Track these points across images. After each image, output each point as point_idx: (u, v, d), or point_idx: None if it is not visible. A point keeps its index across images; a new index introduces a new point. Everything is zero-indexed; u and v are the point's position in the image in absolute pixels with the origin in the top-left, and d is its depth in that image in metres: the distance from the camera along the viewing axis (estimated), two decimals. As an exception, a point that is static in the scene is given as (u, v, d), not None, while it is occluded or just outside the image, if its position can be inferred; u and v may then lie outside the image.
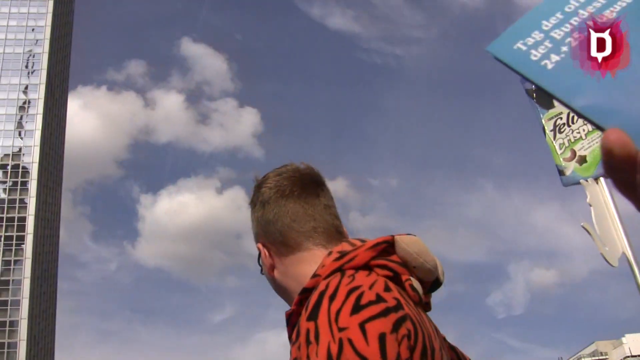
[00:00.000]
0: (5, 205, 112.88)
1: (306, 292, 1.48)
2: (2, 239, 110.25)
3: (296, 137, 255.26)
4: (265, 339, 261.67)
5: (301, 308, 1.46)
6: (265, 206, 1.73)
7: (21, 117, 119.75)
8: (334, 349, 1.25)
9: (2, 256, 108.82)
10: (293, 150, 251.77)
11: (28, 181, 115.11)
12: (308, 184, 1.74)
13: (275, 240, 1.71)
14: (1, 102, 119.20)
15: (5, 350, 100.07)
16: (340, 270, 1.46)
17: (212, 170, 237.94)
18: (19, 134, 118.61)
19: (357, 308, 1.30)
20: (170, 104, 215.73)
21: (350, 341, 1.25)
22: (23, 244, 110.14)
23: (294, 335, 1.38)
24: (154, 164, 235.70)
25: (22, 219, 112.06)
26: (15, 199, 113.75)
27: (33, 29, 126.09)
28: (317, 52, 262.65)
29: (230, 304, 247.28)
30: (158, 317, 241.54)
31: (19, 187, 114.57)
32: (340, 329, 1.27)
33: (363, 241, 1.56)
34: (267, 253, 1.73)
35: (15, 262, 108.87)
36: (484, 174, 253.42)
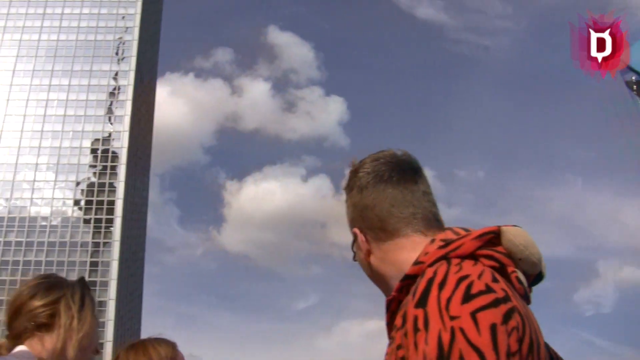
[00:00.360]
0: (95, 189, 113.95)
1: (408, 279, 1.51)
2: (92, 221, 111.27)
3: (382, 127, 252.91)
4: (348, 328, 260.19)
5: (402, 295, 1.52)
6: (363, 191, 1.73)
7: (111, 103, 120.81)
8: (446, 338, 1.27)
9: (92, 238, 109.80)
10: (379, 139, 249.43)
11: (117, 166, 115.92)
12: (406, 170, 1.74)
13: (373, 225, 1.70)
14: (92, 88, 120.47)
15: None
16: (446, 258, 1.48)
17: (298, 158, 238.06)
18: (109, 120, 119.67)
19: (467, 297, 1.32)
20: (256, 91, 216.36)
21: (462, 330, 1.27)
22: (112, 226, 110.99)
23: (398, 321, 1.41)
24: (240, 150, 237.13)
25: (111, 203, 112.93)
26: (105, 183, 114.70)
27: (123, 17, 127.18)
28: (405, 42, 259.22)
29: (314, 293, 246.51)
30: (242, 304, 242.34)
31: (108, 171, 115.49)
32: (452, 318, 1.29)
33: (467, 230, 1.58)
34: (363, 238, 1.72)
35: (105, 244, 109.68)
36: (572, 169, 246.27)
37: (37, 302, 2.33)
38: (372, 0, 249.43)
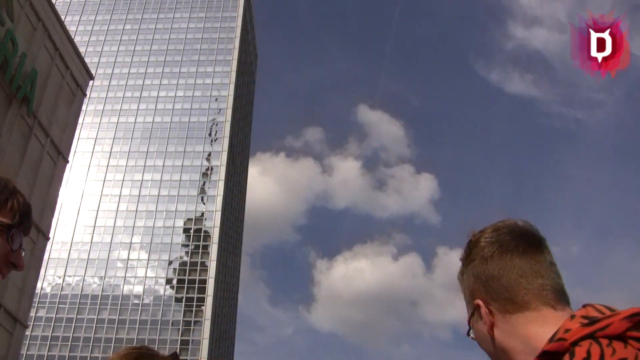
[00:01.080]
0: (187, 268, 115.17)
1: (547, 355, 1.44)
2: (184, 299, 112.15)
3: (474, 204, 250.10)
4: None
5: None
6: (487, 261, 1.67)
7: (204, 183, 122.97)
8: None
9: (183, 316, 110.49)
10: (471, 216, 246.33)
11: (209, 245, 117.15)
12: (531, 240, 1.69)
13: (499, 296, 1.64)
14: (186, 169, 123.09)
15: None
16: (592, 337, 1.41)
17: (388, 236, 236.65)
18: (202, 200, 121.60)
19: None
20: (347, 170, 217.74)
21: None
22: (203, 305, 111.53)
23: None
24: (330, 229, 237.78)
25: (203, 282, 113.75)
26: (197, 262, 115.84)
27: (216, 99, 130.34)
28: (496, 117, 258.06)
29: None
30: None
31: (200, 250, 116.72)
32: None
33: (610, 309, 1.50)
34: (487, 310, 1.66)
35: (195, 322, 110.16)
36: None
37: None
38: (463, 77, 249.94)
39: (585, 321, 1.45)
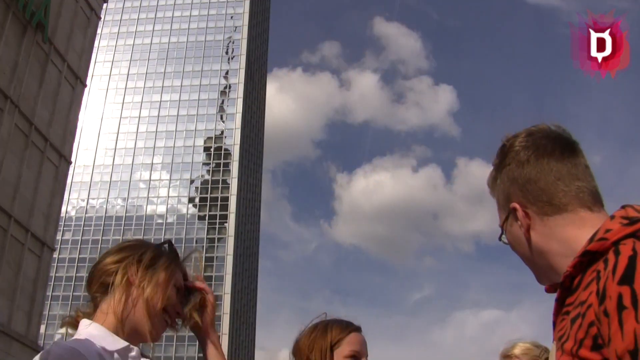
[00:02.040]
0: (209, 186, 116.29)
1: (588, 254, 1.46)
2: (207, 217, 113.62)
3: (494, 115, 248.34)
4: (464, 319, 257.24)
5: (577, 271, 1.48)
6: (524, 165, 1.68)
7: (222, 102, 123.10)
8: None
9: (207, 234, 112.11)
10: (491, 128, 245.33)
11: (230, 162, 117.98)
12: (567, 144, 1.71)
13: (537, 199, 1.65)
14: (203, 88, 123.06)
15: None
16: (635, 236, 1.42)
17: (408, 149, 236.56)
18: (221, 118, 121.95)
19: None
20: (365, 84, 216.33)
21: None
22: (226, 222, 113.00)
23: (590, 299, 1.38)
24: (349, 143, 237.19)
25: (225, 199, 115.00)
26: (218, 180, 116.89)
27: (232, 17, 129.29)
28: (516, 28, 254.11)
29: (428, 284, 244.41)
30: (356, 297, 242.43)
31: (221, 168, 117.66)
32: None
33: None
34: (524, 213, 1.66)
35: (219, 239, 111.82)
36: None
37: (105, 261, 2.26)
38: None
39: (626, 221, 1.46)
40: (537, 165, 1.67)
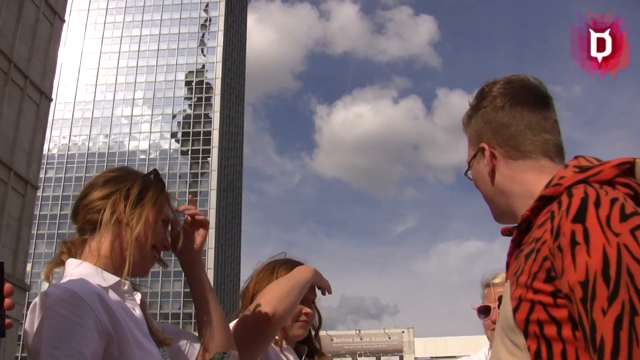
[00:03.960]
0: (191, 121, 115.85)
1: (544, 199, 1.60)
2: (190, 152, 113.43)
3: (475, 46, 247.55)
4: (446, 250, 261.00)
5: (533, 215, 1.62)
6: (499, 110, 1.81)
7: (203, 35, 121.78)
8: (612, 252, 1.36)
9: (190, 169, 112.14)
10: (472, 59, 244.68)
11: (212, 96, 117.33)
12: (541, 97, 1.83)
13: (506, 143, 1.79)
14: (184, 21, 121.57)
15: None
16: (586, 182, 1.55)
17: (388, 80, 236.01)
18: (202, 51, 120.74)
19: (624, 217, 1.41)
20: (344, 14, 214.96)
21: (626, 246, 1.36)
22: (209, 157, 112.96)
23: (545, 236, 1.50)
24: (329, 75, 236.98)
25: (208, 133, 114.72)
26: (200, 114, 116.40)
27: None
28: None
29: (411, 216, 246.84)
30: (340, 228, 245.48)
31: (203, 102, 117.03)
32: (615, 234, 1.38)
33: (598, 160, 1.64)
34: (491, 153, 1.81)
35: (202, 174, 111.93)
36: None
37: (92, 196, 2.20)
38: None
39: (577, 169, 1.61)
40: (510, 112, 1.79)
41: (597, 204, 1.44)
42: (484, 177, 1.85)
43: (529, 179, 1.73)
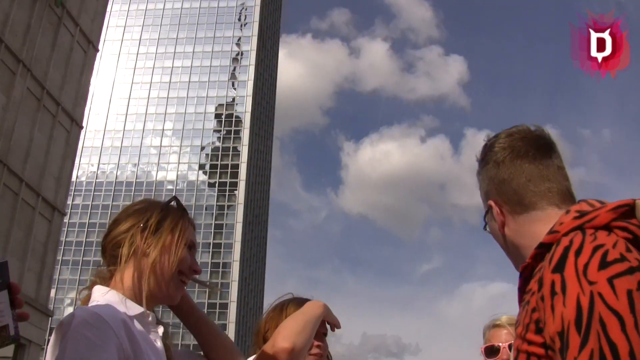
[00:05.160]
0: (220, 153, 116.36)
1: (542, 247, 1.60)
2: (217, 185, 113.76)
3: (504, 86, 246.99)
4: (471, 291, 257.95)
5: (536, 262, 1.61)
6: (499, 166, 1.82)
7: (234, 69, 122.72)
8: (584, 301, 1.36)
9: (217, 201, 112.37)
10: (501, 100, 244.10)
11: (241, 130, 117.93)
12: (541, 146, 1.82)
13: (509, 199, 1.79)
14: (215, 55, 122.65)
15: (219, 290, 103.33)
16: (580, 228, 1.55)
17: (416, 118, 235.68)
18: (233, 85, 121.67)
19: (604, 264, 1.40)
20: (374, 52, 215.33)
21: (600, 295, 1.36)
22: (236, 190, 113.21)
23: (533, 286, 1.52)
24: (358, 112, 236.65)
25: (235, 166, 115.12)
26: (228, 147, 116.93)
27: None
28: (532, 4, 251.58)
29: (436, 256, 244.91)
30: (364, 267, 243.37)
31: (232, 135, 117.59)
32: (590, 282, 1.38)
33: (602, 202, 1.63)
34: (499, 210, 1.82)
35: (229, 207, 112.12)
36: None
37: (114, 232, 2.23)
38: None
39: (577, 214, 1.60)
40: (510, 166, 1.79)
41: (578, 252, 1.44)
42: (496, 233, 1.86)
43: (535, 231, 1.71)
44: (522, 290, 1.66)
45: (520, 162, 1.79)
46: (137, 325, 2.07)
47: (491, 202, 1.84)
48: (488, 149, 1.88)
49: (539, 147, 1.81)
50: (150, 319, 2.14)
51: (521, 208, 1.77)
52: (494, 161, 1.83)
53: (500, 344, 3.32)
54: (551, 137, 1.86)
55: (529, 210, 1.76)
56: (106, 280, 2.20)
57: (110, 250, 2.21)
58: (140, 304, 2.13)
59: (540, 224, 1.72)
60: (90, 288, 2.18)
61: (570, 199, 1.78)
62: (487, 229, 1.92)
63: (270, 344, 2.45)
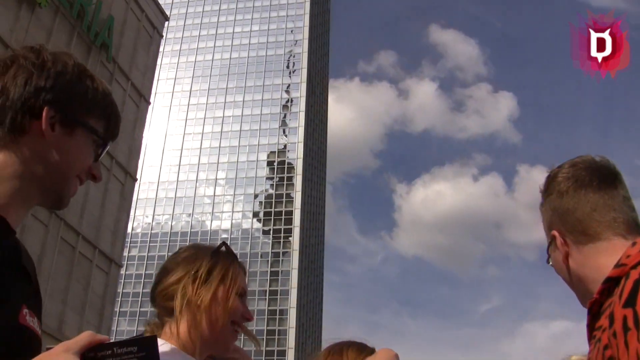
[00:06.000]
0: (273, 200, 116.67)
1: (610, 281, 1.54)
2: (272, 232, 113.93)
3: (556, 121, 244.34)
4: (534, 331, 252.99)
5: (604, 297, 1.55)
6: (563, 196, 1.78)
7: (285, 116, 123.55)
8: None
9: (272, 248, 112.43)
10: (553, 134, 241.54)
11: (293, 176, 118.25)
12: (606, 176, 1.78)
13: (573, 229, 1.75)
14: (265, 102, 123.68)
15: (276, 337, 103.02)
16: None
17: (468, 157, 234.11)
18: (284, 132, 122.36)
19: None
20: (423, 92, 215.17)
21: None
22: (291, 236, 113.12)
23: (604, 323, 1.48)
24: (409, 153, 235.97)
25: (289, 213, 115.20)
26: (282, 194, 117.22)
27: (292, 31, 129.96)
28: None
29: (495, 295, 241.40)
30: (424, 309, 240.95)
31: (285, 182, 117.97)
32: None
33: None
34: (562, 241, 1.78)
35: (284, 253, 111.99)
36: None
37: (165, 284, 2.25)
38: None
39: None
40: (575, 196, 1.75)
41: None
42: (560, 265, 1.81)
43: (600, 263, 1.66)
44: (592, 327, 1.61)
45: (584, 192, 1.75)
46: None
47: (555, 232, 1.79)
48: (551, 179, 1.84)
49: (603, 177, 1.77)
50: None
51: (586, 238, 1.72)
52: (558, 191, 1.80)
53: None
54: (616, 168, 1.82)
55: (594, 241, 1.71)
56: (158, 328, 2.22)
57: (161, 302, 2.23)
58: (194, 355, 2.14)
59: (605, 255, 1.66)
60: None
61: (637, 230, 1.72)
62: (550, 262, 1.88)
63: None
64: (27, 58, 1.67)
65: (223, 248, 2.30)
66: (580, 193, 1.75)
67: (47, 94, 1.66)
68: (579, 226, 1.74)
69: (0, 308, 1.48)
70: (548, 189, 1.85)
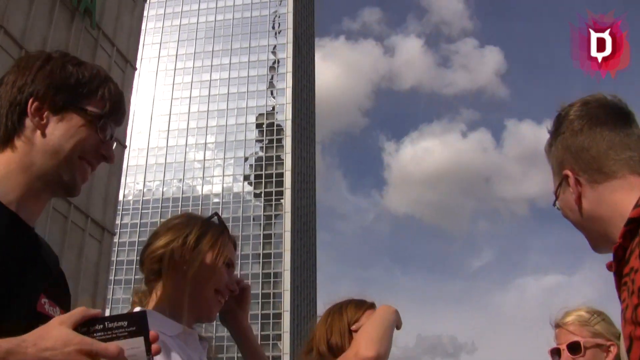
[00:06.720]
0: (263, 163, 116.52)
1: (632, 222, 1.47)
2: (263, 194, 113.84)
3: (544, 73, 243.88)
4: (525, 285, 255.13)
5: (627, 241, 1.48)
6: (577, 134, 1.72)
7: (272, 77, 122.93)
8: None
9: (264, 211, 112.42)
10: (540, 88, 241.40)
11: (283, 138, 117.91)
12: (621, 114, 1.73)
13: (588, 167, 1.69)
14: (252, 64, 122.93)
15: (271, 300, 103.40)
16: None
17: (456, 113, 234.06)
18: (271, 94, 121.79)
19: None
20: (409, 49, 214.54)
21: None
22: (282, 198, 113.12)
23: (634, 263, 1.41)
24: (397, 110, 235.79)
25: (280, 175, 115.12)
26: (272, 156, 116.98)
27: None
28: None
29: (487, 250, 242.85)
30: (416, 265, 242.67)
31: (274, 144, 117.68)
32: None
33: None
34: (576, 180, 1.71)
35: (276, 216, 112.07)
36: None
37: (153, 246, 2.27)
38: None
39: None
40: (590, 134, 1.70)
41: None
42: (571, 206, 1.73)
43: (617, 199, 1.61)
44: (620, 274, 1.52)
45: (600, 130, 1.69)
46: (178, 342, 2.09)
47: (567, 172, 1.72)
48: (563, 118, 1.77)
49: (618, 115, 1.72)
50: (190, 335, 2.18)
51: (601, 176, 1.66)
52: (571, 130, 1.73)
53: (560, 347, 3.05)
54: (629, 106, 1.76)
55: (609, 179, 1.65)
56: (145, 297, 2.26)
57: (149, 264, 2.25)
58: (180, 322, 2.15)
59: (622, 191, 1.61)
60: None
61: None
62: (557, 205, 1.81)
63: (351, 352, 2.39)
64: (20, 63, 1.82)
65: (215, 218, 2.32)
66: (596, 131, 1.69)
67: (29, 87, 1.77)
68: (595, 164, 1.68)
69: (17, 297, 1.59)
70: (559, 128, 1.78)
